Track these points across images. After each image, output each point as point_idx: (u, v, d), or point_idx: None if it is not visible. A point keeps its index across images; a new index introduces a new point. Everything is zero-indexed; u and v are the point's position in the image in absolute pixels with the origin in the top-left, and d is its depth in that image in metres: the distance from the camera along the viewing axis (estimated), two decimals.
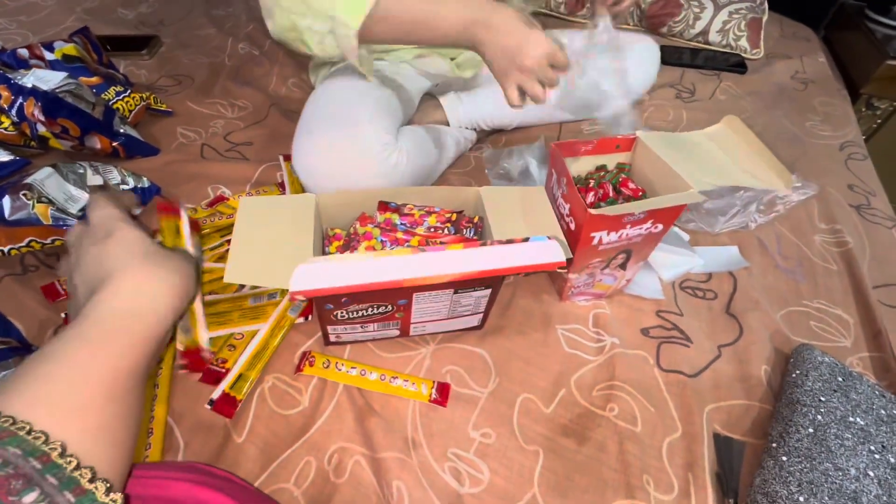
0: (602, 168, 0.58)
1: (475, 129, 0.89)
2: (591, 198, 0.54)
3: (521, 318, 0.57)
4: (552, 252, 0.41)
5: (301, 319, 0.53)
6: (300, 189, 0.67)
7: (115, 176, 0.61)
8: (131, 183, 0.62)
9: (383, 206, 0.54)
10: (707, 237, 0.69)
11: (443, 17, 0.52)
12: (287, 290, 0.47)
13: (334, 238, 0.52)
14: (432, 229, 0.52)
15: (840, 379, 0.50)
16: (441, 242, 0.52)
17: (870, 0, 1.26)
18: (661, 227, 0.50)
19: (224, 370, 0.48)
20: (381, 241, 0.51)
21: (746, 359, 0.54)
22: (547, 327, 0.56)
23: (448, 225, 0.53)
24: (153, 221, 0.63)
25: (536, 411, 0.49)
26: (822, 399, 0.48)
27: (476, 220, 0.54)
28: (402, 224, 0.52)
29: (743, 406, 0.51)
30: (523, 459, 0.45)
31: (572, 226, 0.49)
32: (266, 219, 0.47)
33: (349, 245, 0.51)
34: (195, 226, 0.44)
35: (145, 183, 0.64)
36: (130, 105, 0.76)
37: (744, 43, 1.17)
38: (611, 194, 0.55)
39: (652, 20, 1.23)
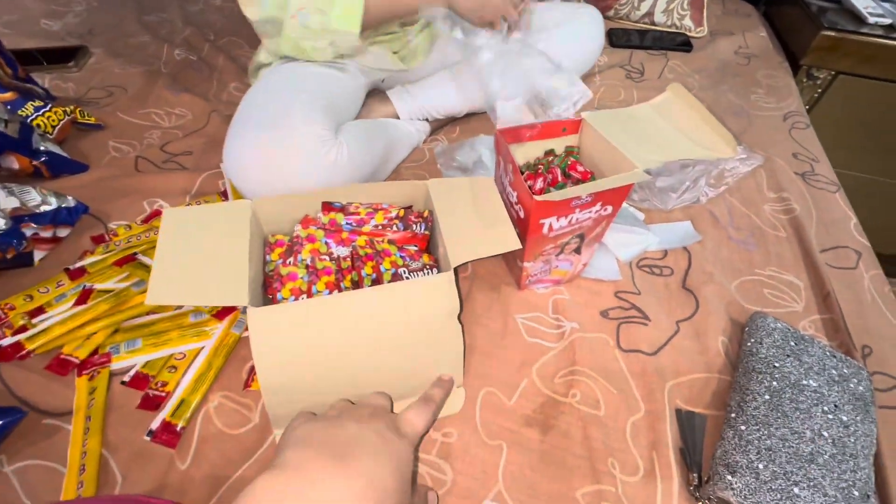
0: (551, 153, 0.57)
1: (427, 120, 0.87)
2: (539, 184, 0.53)
3: (480, 311, 0.56)
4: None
5: (248, 334, 0.50)
6: (242, 197, 0.63)
7: (33, 197, 0.56)
8: (53, 203, 0.58)
9: (327, 206, 0.52)
10: (661, 214, 0.69)
11: None
12: (219, 308, 0.47)
13: (276, 245, 0.49)
14: (379, 227, 0.50)
15: (793, 343, 0.51)
16: (389, 241, 0.50)
17: None
18: (610, 208, 0.49)
19: (164, 394, 0.45)
20: (326, 242, 0.49)
21: (704, 331, 0.55)
22: (506, 317, 0.55)
23: (396, 221, 0.51)
24: (83, 243, 0.59)
25: (499, 405, 0.48)
26: (777, 365, 0.48)
27: (426, 214, 0.52)
28: (347, 224, 0.50)
29: (703, 379, 0.51)
30: (487, 455, 0.44)
31: (521, 213, 0.48)
32: (194, 231, 0.43)
33: (292, 250, 0.48)
34: None
35: (70, 202, 0.60)
36: (53, 120, 0.71)
37: (688, 22, 1.19)
38: (560, 179, 0.54)
39: (598, 3, 1.24)
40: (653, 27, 1.22)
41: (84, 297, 0.51)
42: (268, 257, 0.48)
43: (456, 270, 0.44)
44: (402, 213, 0.51)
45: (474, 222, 0.48)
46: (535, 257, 0.52)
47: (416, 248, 0.51)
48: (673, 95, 0.57)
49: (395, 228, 0.51)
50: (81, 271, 0.54)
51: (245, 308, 0.44)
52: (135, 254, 0.55)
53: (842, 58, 1.10)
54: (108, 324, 0.48)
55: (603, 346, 0.53)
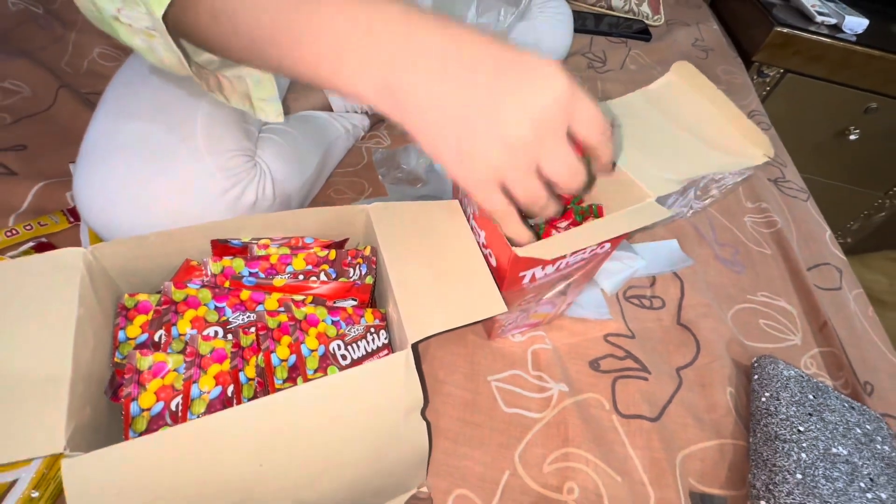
0: None
1: (367, 113, 0.70)
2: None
3: (442, 374, 0.43)
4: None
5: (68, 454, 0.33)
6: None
7: None
8: None
9: (220, 247, 0.35)
10: (643, 232, 0.60)
11: (309, 32, 0.26)
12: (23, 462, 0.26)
13: (136, 311, 0.32)
14: (300, 276, 0.35)
15: (811, 397, 0.43)
16: (315, 299, 0.34)
17: None
18: (608, 246, 0.38)
19: None
20: (216, 307, 0.32)
21: (709, 381, 0.46)
22: (476, 381, 0.43)
23: (325, 267, 0.35)
24: None
25: None
26: (801, 429, 0.40)
27: (367, 252, 0.37)
28: (250, 276, 0.34)
29: (715, 448, 0.42)
30: None
31: (492, 260, 0.35)
32: None
33: (162, 322, 0.31)
34: None
35: None
36: None
37: (645, 9, 1.12)
38: None
39: None
40: (609, 12, 1.13)
41: None
42: (122, 334, 0.31)
43: (415, 347, 0.30)
44: (332, 254, 0.36)
45: (437, 269, 0.34)
46: (512, 309, 0.40)
47: (354, 303, 0.36)
48: (678, 78, 0.46)
49: (322, 277, 0.35)
50: None
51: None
52: None
53: (791, 56, 1.09)
54: None
55: (598, 411, 0.42)
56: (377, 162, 0.62)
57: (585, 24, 1.07)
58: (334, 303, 0.35)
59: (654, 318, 0.51)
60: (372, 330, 0.35)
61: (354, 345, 0.34)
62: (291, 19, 0.26)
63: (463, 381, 0.42)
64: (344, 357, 0.33)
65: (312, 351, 0.31)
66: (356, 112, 0.70)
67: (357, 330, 0.34)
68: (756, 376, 0.46)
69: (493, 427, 0.40)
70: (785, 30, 1.06)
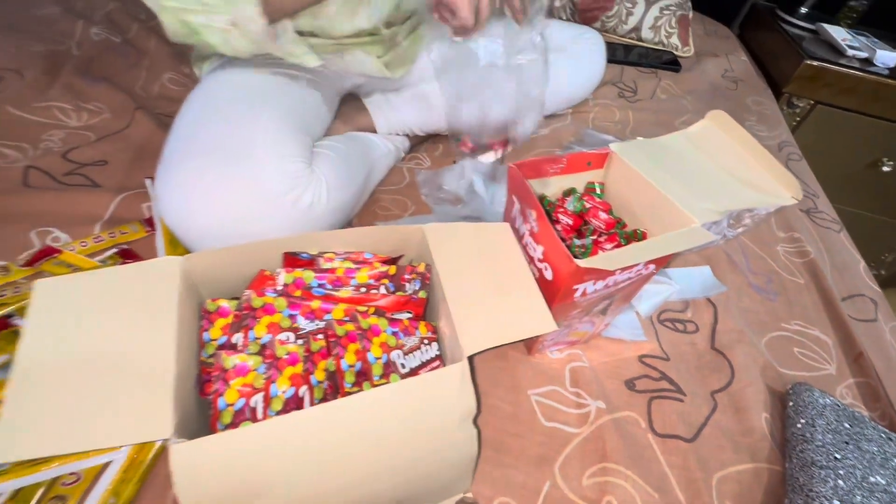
0: (571, 192, 0.47)
1: (407, 136, 0.75)
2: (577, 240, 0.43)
3: (485, 386, 0.45)
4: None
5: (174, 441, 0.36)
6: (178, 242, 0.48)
7: None
8: None
9: (291, 259, 0.38)
10: (677, 258, 0.62)
11: None
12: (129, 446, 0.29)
13: (217, 315, 0.35)
14: (363, 289, 0.38)
15: (847, 425, 0.44)
16: (377, 310, 0.37)
17: (781, 0, 1.31)
18: (652, 267, 0.40)
19: None
20: (290, 315, 0.35)
21: (744, 406, 0.47)
22: (517, 394, 0.45)
23: (385, 281, 0.39)
24: None
25: None
26: (838, 457, 0.41)
27: (421, 268, 0.40)
28: (318, 286, 0.37)
29: (751, 471, 0.43)
30: None
31: (548, 274, 0.38)
32: (87, 314, 0.29)
33: (241, 325, 0.35)
34: None
35: None
36: None
37: (675, 41, 1.15)
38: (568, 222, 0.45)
39: (584, 14, 1.17)
40: (639, 43, 1.17)
41: None
42: (206, 335, 0.35)
43: (471, 359, 0.33)
44: (392, 269, 0.39)
45: (489, 287, 0.37)
46: (559, 325, 0.42)
47: (410, 316, 0.39)
48: (713, 125, 0.49)
49: (382, 290, 0.38)
50: None
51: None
52: (9, 316, 0.39)
53: (822, 88, 1.10)
54: None
55: (634, 429, 0.44)
56: (420, 182, 0.66)
57: (616, 54, 1.10)
58: (392, 314, 0.38)
59: (688, 341, 0.53)
60: (425, 341, 0.38)
61: (411, 354, 0.36)
62: None
63: (504, 394, 0.44)
64: (402, 366, 0.36)
65: (377, 359, 0.34)
66: (397, 135, 0.74)
67: (412, 341, 0.37)
68: (791, 403, 0.46)
69: (533, 439, 0.42)
70: (815, 63, 1.07)
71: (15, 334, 0.38)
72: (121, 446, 0.33)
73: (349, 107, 0.71)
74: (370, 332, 0.35)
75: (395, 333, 0.36)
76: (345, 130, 0.68)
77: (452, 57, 0.58)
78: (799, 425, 0.44)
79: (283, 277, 0.37)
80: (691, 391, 0.47)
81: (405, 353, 0.36)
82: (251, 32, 0.40)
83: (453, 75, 0.59)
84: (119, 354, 0.29)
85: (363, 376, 0.33)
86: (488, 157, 0.62)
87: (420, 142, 0.77)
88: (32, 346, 0.27)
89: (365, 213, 0.62)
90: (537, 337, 0.44)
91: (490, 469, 0.39)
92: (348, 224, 0.59)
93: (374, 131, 0.71)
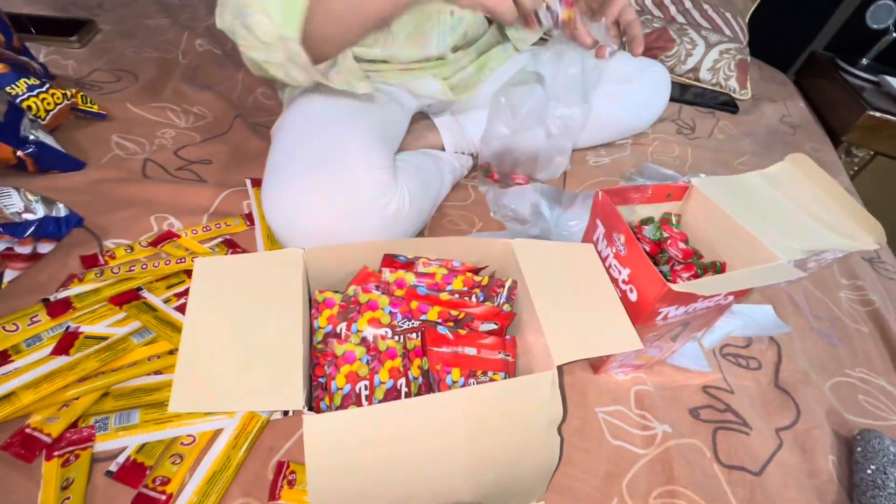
0: (649, 220, 0.50)
1: (472, 155, 0.79)
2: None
3: None
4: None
5: (278, 415, 0.40)
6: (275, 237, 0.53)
7: (13, 202, 0.44)
8: (40, 211, 0.46)
9: (390, 260, 0.42)
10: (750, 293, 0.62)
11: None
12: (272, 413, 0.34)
13: (324, 305, 0.39)
14: (457, 295, 0.41)
15: None
16: (463, 315, 0.40)
17: (840, 50, 1.32)
18: (731, 298, 0.42)
19: (164, 497, 0.34)
20: (391, 312, 0.39)
21: (810, 447, 0.47)
22: (585, 410, 0.46)
23: (476, 291, 0.42)
24: (70, 264, 0.46)
25: None
26: None
27: (508, 283, 0.43)
28: (421, 286, 0.40)
29: None
30: None
31: (632, 296, 0.40)
32: (233, 291, 0.33)
33: (347, 316, 0.38)
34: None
35: (61, 211, 0.48)
36: (49, 104, 0.60)
37: (733, 83, 1.17)
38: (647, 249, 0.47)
39: (645, 52, 1.20)
40: (696, 83, 1.19)
41: (66, 342, 0.39)
42: (315, 323, 0.38)
43: (560, 369, 0.35)
44: (485, 280, 0.42)
45: (576, 303, 0.39)
46: None
47: (495, 328, 0.42)
48: (792, 167, 0.50)
49: (474, 299, 0.41)
50: (65, 305, 0.42)
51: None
52: (139, 288, 0.44)
53: (883, 139, 1.10)
54: (94, 387, 0.37)
55: (699, 457, 0.45)
56: (490, 199, 0.69)
57: (672, 92, 1.13)
58: (481, 323, 0.41)
59: (751, 377, 0.53)
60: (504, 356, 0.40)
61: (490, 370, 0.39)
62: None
63: (573, 409, 0.46)
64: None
65: (455, 382, 0.37)
66: (463, 153, 0.78)
67: (494, 356, 0.40)
68: (860, 448, 0.46)
69: (600, 455, 0.43)
70: (877, 114, 1.07)
71: (145, 305, 0.43)
72: (266, 411, 0.36)
73: (418, 125, 0.76)
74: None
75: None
76: (416, 146, 0.73)
77: (518, 92, 0.63)
78: (869, 471, 0.44)
79: (387, 276, 0.41)
80: (756, 426, 0.48)
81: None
82: (306, 67, 0.45)
83: (507, 111, 0.64)
84: (259, 329, 0.32)
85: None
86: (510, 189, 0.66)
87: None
88: (194, 317, 0.31)
89: (434, 226, 0.66)
90: (606, 357, 0.46)
91: (560, 479, 0.41)
92: (420, 235, 0.63)
93: (443, 149, 0.76)
